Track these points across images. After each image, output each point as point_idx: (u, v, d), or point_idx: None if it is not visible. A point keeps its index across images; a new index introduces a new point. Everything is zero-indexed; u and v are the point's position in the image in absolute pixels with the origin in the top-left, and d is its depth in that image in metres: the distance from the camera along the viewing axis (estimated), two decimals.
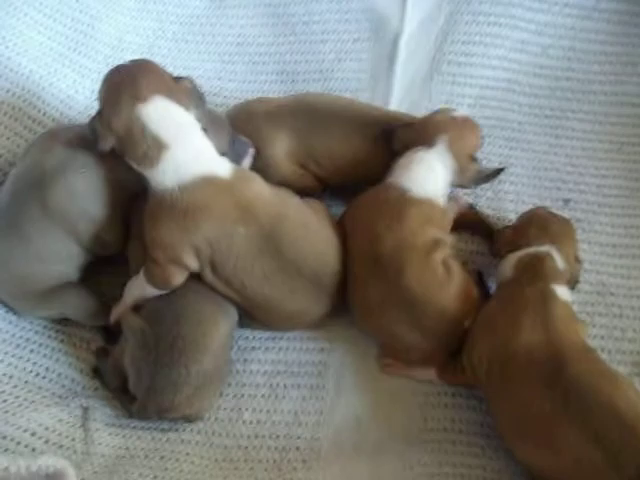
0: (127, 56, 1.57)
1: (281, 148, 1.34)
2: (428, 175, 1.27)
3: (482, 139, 1.35)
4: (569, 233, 1.28)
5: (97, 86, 1.50)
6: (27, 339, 1.30)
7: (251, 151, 1.30)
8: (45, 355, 1.29)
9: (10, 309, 1.30)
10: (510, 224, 1.33)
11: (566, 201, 1.45)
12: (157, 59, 1.55)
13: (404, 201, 1.25)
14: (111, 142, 1.16)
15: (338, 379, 1.29)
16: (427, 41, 1.61)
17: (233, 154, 1.25)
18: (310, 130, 1.34)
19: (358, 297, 1.27)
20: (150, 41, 1.64)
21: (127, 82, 1.16)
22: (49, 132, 1.33)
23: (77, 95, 1.53)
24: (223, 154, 1.22)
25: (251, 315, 1.28)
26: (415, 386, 1.28)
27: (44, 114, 1.46)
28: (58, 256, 1.25)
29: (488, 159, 1.48)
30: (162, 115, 1.15)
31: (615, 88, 1.57)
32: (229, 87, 1.59)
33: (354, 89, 1.57)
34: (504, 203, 1.45)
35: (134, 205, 1.27)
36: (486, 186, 1.45)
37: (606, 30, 1.60)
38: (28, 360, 1.27)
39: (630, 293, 1.36)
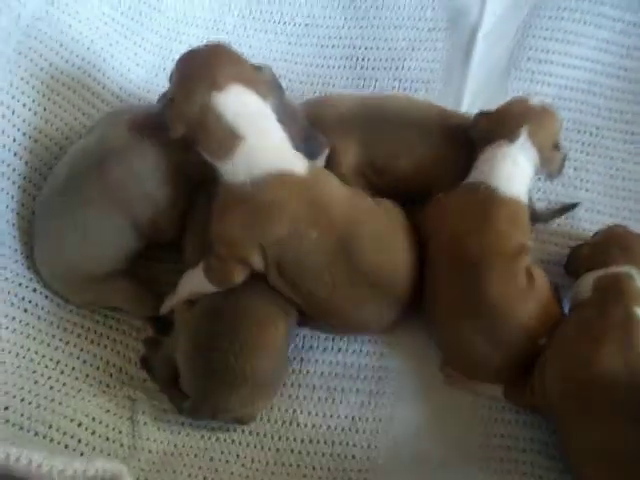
0: (191, 31, 1.52)
1: (348, 161, 1.27)
2: (514, 172, 1.19)
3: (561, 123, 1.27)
4: None
5: (159, 61, 1.48)
6: (74, 323, 1.24)
7: (326, 151, 1.22)
8: (93, 341, 1.23)
9: (57, 293, 1.24)
10: (586, 241, 1.25)
11: None
12: (222, 36, 1.51)
13: (492, 201, 1.17)
14: (182, 130, 1.09)
15: (398, 386, 1.23)
16: (507, 35, 1.53)
17: (306, 151, 1.16)
18: (378, 140, 1.27)
19: (434, 302, 1.20)
20: (216, 16, 1.56)
21: (203, 69, 1.10)
22: (115, 111, 1.27)
23: (138, 69, 1.47)
24: (297, 149, 1.14)
25: (315, 319, 1.21)
26: (478, 399, 1.21)
27: (103, 87, 1.40)
28: (112, 240, 1.19)
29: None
30: (239, 105, 1.08)
31: None
32: (295, 70, 1.52)
33: (426, 80, 1.50)
34: (579, 212, 1.37)
35: (195, 196, 1.21)
36: (561, 192, 1.40)
37: None
38: (75, 345, 1.21)
39: None
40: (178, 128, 1.09)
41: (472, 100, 1.47)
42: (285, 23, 1.57)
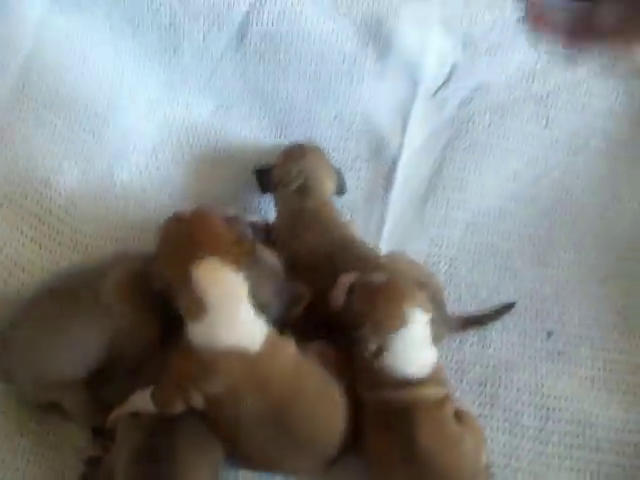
0: (132, 158, 1.66)
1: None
2: (423, 354, 1.30)
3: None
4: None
5: (106, 183, 1.61)
6: (17, 444, 1.32)
7: (302, 300, 1.35)
8: (35, 462, 1.31)
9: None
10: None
11: (549, 333, 1.54)
12: (161, 163, 1.65)
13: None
14: (161, 285, 1.23)
15: None
16: (424, 165, 1.70)
17: (280, 303, 1.31)
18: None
19: (370, 450, 1.30)
20: (155, 144, 1.70)
21: (185, 237, 1.24)
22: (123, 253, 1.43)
23: (84, 194, 1.59)
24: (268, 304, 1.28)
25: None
26: None
27: (50, 212, 1.53)
28: (87, 350, 1.31)
29: (477, 286, 1.58)
30: (211, 278, 1.21)
31: (601, 222, 1.67)
32: (229, 194, 1.66)
33: (351, 206, 1.65)
34: (489, 332, 1.53)
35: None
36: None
37: (594, 166, 1.70)
38: (17, 469, 1.30)
39: (609, 424, 1.44)
40: (158, 283, 1.23)
41: (393, 226, 1.64)
42: (220, 151, 1.71)
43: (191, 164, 1.69)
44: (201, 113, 1.73)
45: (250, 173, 1.64)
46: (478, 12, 1.68)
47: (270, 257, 1.35)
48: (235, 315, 1.22)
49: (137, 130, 1.70)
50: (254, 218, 1.43)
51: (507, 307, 1.54)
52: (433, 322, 1.34)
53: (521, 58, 1.70)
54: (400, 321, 1.25)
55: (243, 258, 1.24)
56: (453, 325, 1.48)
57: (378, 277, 1.31)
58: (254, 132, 1.73)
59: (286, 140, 1.70)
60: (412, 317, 1.26)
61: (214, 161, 1.71)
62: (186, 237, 1.23)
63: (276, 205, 1.55)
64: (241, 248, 1.25)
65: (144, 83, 1.73)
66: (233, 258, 1.22)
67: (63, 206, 1.56)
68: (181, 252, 1.22)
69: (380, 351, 1.25)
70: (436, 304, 1.42)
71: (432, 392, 1.26)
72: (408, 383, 1.25)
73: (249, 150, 1.71)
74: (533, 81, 1.70)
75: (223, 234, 1.25)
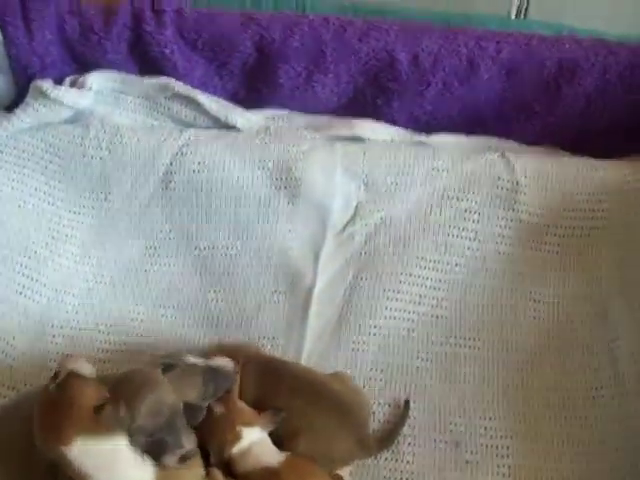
0: (68, 299, 1.80)
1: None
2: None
3: None
4: None
5: (40, 328, 1.72)
6: None
7: (179, 452, 1.36)
8: None
9: None
10: None
11: (457, 443, 1.66)
12: (95, 302, 1.81)
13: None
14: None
15: None
16: (336, 295, 1.85)
17: (155, 448, 1.34)
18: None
19: None
20: (90, 285, 1.85)
21: (51, 423, 1.29)
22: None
23: (22, 336, 1.73)
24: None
25: None
26: None
27: None
28: None
29: (390, 403, 1.70)
30: (84, 453, 1.27)
31: (500, 335, 1.81)
32: (160, 329, 1.80)
33: (271, 336, 1.79)
34: (402, 446, 1.64)
35: None
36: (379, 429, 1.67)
37: (491, 285, 1.86)
38: None
39: None
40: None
41: (310, 352, 1.76)
42: (150, 289, 1.86)
43: (124, 303, 1.83)
44: (132, 254, 1.90)
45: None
46: (375, 159, 1.88)
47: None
48: (117, 475, 1.30)
49: (73, 271, 1.85)
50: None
51: (406, 406, 1.67)
52: (350, 442, 1.52)
53: (417, 194, 1.88)
54: (233, 439, 1.44)
55: (109, 423, 1.29)
56: (372, 446, 1.59)
57: (219, 408, 1.47)
58: (180, 269, 1.89)
59: (211, 278, 1.87)
60: (245, 435, 1.44)
61: (147, 299, 1.85)
62: (52, 423, 1.28)
63: None
64: (104, 416, 1.29)
65: (78, 227, 1.90)
66: (98, 428, 1.28)
67: (1, 347, 1.69)
68: (51, 439, 1.27)
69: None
70: (358, 425, 1.56)
71: None
72: None
73: (176, 288, 1.87)
74: (430, 213, 1.88)
75: (83, 410, 1.29)
